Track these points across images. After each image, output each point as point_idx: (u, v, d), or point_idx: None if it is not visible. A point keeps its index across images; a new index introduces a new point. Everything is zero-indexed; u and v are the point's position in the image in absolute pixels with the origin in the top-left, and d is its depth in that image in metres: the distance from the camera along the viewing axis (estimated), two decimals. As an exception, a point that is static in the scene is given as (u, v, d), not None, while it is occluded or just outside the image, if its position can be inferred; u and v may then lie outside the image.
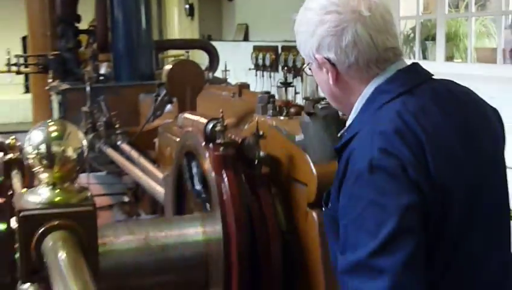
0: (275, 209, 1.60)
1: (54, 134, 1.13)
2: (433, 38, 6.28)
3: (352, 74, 1.52)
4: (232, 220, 1.51)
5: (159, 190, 2.68)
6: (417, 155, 1.40)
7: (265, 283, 1.57)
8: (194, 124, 1.82)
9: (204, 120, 1.71)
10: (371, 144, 1.41)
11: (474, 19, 6.36)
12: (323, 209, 1.62)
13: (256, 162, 1.64)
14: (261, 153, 1.65)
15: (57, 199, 1.10)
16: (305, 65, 1.70)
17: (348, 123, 1.64)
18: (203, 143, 1.64)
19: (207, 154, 1.61)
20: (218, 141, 1.61)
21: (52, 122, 1.17)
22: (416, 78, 1.58)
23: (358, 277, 1.41)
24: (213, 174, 1.57)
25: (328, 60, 1.51)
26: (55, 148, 1.11)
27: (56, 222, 1.05)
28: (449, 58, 6.24)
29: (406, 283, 1.41)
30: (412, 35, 6.81)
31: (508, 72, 5.38)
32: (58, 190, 1.11)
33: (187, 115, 1.96)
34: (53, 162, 1.11)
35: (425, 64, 5.59)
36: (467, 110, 1.60)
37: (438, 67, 5.84)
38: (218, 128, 1.62)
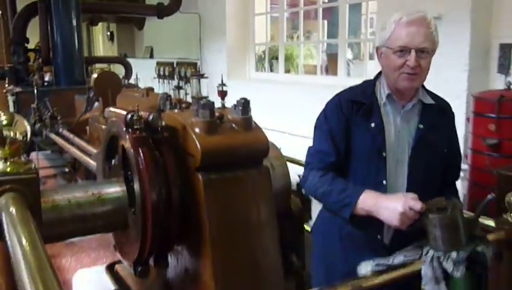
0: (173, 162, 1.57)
1: (5, 122, 1.05)
2: (277, 58, 6.41)
3: None
4: (147, 183, 1.48)
5: (91, 162, 2.59)
6: None
7: (169, 219, 1.54)
8: (117, 116, 1.75)
9: (124, 112, 1.65)
10: None
11: (302, 45, 6.58)
12: None
13: (159, 129, 1.60)
14: (163, 123, 1.62)
15: (8, 169, 1.02)
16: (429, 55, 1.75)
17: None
18: (124, 129, 1.58)
19: (127, 137, 1.55)
20: (136, 126, 1.56)
21: (3, 114, 1.08)
22: None
23: None
24: (132, 151, 1.52)
25: None
26: (5, 132, 1.04)
27: (8, 186, 0.98)
28: (287, 71, 6.40)
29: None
30: (263, 55, 6.91)
31: (324, 81, 5.61)
32: (9, 163, 1.04)
33: (112, 109, 1.88)
34: (4, 142, 1.04)
35: (271, 76, 5.67)
36: None
37: (280, 77, 5.98)
38: (135, 117, 1.56)
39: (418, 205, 1.57)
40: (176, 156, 1.57)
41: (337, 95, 1.90)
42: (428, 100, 1.83)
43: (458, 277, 1.50)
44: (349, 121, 1.79)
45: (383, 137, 1.77)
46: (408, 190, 1.77)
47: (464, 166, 3.10)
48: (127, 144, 1.55)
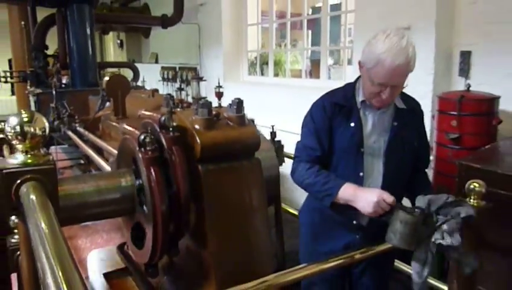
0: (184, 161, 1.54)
1: (26, 119, 1.03)
2: (267, 63, 6.39)
3: None
4: (158, 199, 1.45)
5: (101, 162, 2.51)
6: None
7: (179, 220, 1.51)
8: (131, 134, 1.70)
9: (137, 132, 1.60)
10: None
11: (289, 53, 6.56)
12: None
13: (171, 129, 1.57)
14: (174, 123, 1.59)
15: (29, 161, 1.00)
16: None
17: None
18: (137, 148, 1.54)
19: (140, 156, 1.52)
20: (148, 148, 1.53)
21: (24, 112, 1.06)
22: None
23: None
24: (144, 169, 1.49)
25: None
26: (26, 128, 1.02)
27: (28, 176, 0.96)
28: (276, 75, 6.37)
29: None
30: (255, 61, 6.88)
31: (308, 83, 5.60)
32: (29, 155, 1.02)
33: (126, 126, 1.81)
34: (25, 137, 1.01)
35: (262, 79, 5.63)
36: None
37: (270, 80, 5.97)
38: (147, 140, 1.53)
39: (390, 198, 1.59)
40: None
41: (321, 97, 1.89)
42: (401, 104, 1.82)
43: (457, 244, 1.45)
44: (332, 120, 1.79)
45: (361, 135, 1.77)
46: (383, 180, 1.78)
47: (430, 157, 3.12)
48: (139, 162, 1.51)
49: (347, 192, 1.69)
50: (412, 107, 1.87)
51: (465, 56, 3.52)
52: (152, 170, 1.44)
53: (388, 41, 1.63)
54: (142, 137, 1.52)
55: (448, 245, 1.46)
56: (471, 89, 3.27)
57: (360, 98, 1.80)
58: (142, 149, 1.50)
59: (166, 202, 1.45)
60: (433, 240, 1.49)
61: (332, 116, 1.79)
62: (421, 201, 1.58)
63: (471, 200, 1.57)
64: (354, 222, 1.83)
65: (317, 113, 1.83)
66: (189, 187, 1.49)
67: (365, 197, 1.63)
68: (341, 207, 1.73)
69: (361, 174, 1.77)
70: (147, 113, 1.71)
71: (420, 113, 1.93)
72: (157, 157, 1.49)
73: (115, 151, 2.04)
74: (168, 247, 1.53)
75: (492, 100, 3.14)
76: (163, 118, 1.56)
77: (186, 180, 1.48)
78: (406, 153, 1.83)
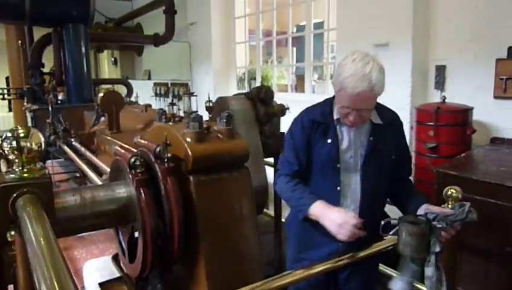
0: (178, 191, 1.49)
1: (22, 134, 1.01)
2: (255, 79, 6.42)
3: None
4: (147, 218, 1.42)
5: (94, 177, 2.46)
6: None
7: (171, 245, 1.49)
8: (122, 156, 1.67)
9: (129, 155, 1.57)
10: None
11: (276, 68, 6.60)
12: None
13: (165, 160, 1.54)
14: (169, 155, 1.56)
15: (25, 175, 0.99)
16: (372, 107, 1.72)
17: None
18: (128, 170, 1.52)
19: (130, 177, 1.49)
20: (138, 170, 1.50)
21: (21, 127, 1.05)
22: None
23: None
24: (134, 191, 1.47)
25: None
26: (22, 143, 1.00)
27: (25, 189, 0.95)
28: (263, 89, 6.39)
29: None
30: (243, 77, 6.91)
31: (294, 97, 5.64)
32: (26, 169, 1.00)
33: (118, 148, 1.78)
34: (21, 152, 0.99)
35: (250, 93, 5.35)
36: None
37: (258, 94, 5.98)
38: (137, 163, 1.51)
39: (353, 221, 1.59)
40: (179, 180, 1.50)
41: (301, 113, 1.88)
42: (377, 120, 1.79)
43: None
44: (310, 137, 1.79)
45: (337, 151, 1.76)
46: (362, 194, 1.77)
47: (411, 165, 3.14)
48: (129, 183, 1.48)
49: (316, 210, 1.70)
50: (389, 120, 1.83)
51: (440, 70, 3.59)
52: (141, 191, 1.43)
53: (353, 67, 1.58)
54: (132, 160, 1.50)
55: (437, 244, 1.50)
56: (446, 101, 3.32)
57: (335, 115, 1.79)
58: (133, 171, 1.48)
59: (155, 220, 1.43)
60: (431, 241, 1.51)
61: (311, 132, 1.79)
62: (423, 211, 1.59)
63: (449, 205, 1.59)
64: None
65: (296, 130, 1.84)
66: (184, 216, 1.46)
67: (330, 218, 1.63)
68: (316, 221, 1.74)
69: (338, 188, 1.77)
70: (142, 142, 1.69)
71: (399, 125, 1.91)
72: (147, 179, 1.47)
73: (107, 169, 2.02)
74: (160, 271, 1.51)
75: (466, 111, 3.19)
76: (158, 149, 1.54)
77: (181, 210, 1.46)
78: (383, 166, 1.81)
